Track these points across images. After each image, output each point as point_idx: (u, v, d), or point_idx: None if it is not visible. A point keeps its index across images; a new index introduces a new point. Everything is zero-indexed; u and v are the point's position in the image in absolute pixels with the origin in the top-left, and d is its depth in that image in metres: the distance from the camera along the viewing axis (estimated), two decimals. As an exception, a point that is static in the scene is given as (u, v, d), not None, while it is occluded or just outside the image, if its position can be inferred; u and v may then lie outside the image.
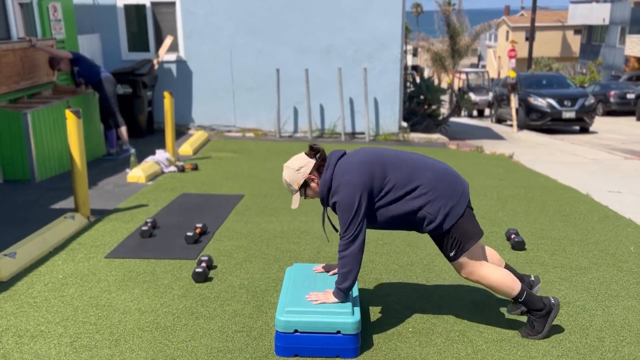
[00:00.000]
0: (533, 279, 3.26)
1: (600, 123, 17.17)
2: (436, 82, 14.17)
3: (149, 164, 6.80)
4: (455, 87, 20.01)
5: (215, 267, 3.94)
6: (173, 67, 10.18)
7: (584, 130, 15.45)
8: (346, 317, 2.77)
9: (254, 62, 10.10)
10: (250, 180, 6.63)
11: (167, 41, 9.60)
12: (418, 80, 12.49)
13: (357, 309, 2.85)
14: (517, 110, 15.39)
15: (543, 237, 4.69)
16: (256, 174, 6.99)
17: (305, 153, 2.97)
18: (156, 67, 9.65)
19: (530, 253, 4.31)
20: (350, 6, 9.82)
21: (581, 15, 38.01)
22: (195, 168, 7.12)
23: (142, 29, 10.26)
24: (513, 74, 15.77)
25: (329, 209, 3.02)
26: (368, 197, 2.79)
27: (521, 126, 15.25)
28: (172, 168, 7.00)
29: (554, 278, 3.81)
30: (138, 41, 10.30)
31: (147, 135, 9.43)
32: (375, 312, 3.29)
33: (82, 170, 4.86)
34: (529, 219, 5.26)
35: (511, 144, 11.90)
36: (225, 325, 3.11)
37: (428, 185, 2.83)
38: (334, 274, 3.14)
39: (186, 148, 8.25)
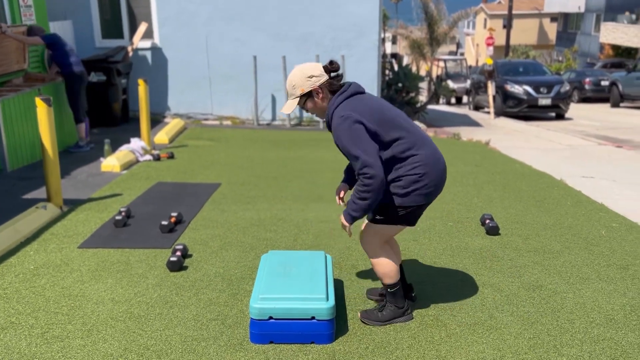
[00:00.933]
0: (414, 294, 3.23)
1: (575, 110, 17.40)
2: (414, 69, 14.16)
3: (124, 152, 6.71)
4: (434, 74, 20.08)
5: (190, 255, 3.92)
6: (148, 54, 10.03)
7: (560, 116, 15.65)
8: (320, 303, 2.77)
9: (230, 49, 9.99)
10: (228, 169, 6.59)
11: (142, 28, 9.44)
12: (396, 67, 12.50)
13: (331, 295, 2.86)
14: (494, 97, 15.52)
15: (517, 222, 4.75)
16: (233, 162, 6.95)
17: (323, 66, 2.86)
18: (131, 54, 9.49)
19: (505, 238, 4.36)
20: (327, -7, 9.76)
21: (557, 2, 38.34)
22: (171, 156, 7.05)
23: (115, 15, 10.07)
24: (490, 62, 15.88)
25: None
26: (369, 133, 2.71)
27: (498, 113, 15.39)
28: (148, 157, 6.91)
29: (527, 262, 3.86)
30: (112, 28, 10.11)
31: (122, 123, 9.29)
32: (350, 298, 3.30)
33: (54, 159, 4.77)
34: (503, 204, 5.31)
35: (488, 130, 12.01)
36: (200, 314, 3.10)
37: (425, 162, 2.78)
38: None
39: (162, 136, 8.16)
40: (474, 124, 13.59)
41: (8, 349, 2.74)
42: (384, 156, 2.76)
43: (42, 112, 4.65)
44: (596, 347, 2.79)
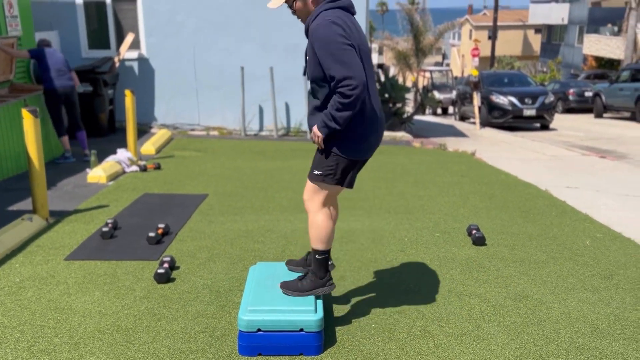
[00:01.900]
0: (331, 262, 3.18)
1: (559, 120, 17.62)
2: (401, 80, 14.32)
3: (110, 163, 6.68)
4: (420, 85, 20.25)
5: (178, 267, 3.90)
6: (135, 64, 10.02)
7: (544, 127, 15.84)
8: (309, 315, 2.78)
9: (218, 59, 10.02)
10: (215, 180, 6.58)
11: (129, 38, 9.43)
12: (383, 78, 12.60)
13: (320, 307, 2.87)
14: (479, 108, 15.68)
15: (503, 233, 4.79)
16: (220, 173, 6.94)
17: None
18: (117, 64, 9.48)
19: (491, 248, 4.40)
20: (314, 4, 9.81)
21: (541, 14, 38.91)
22: (157, 167, 7.03)
23: (102, 26, 10.06)
24: (475, 73, 16.07)
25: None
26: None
27: (484, 124, 15.55)
28: (134, 167, 6.89)
29: (513, 272, 3.90)
30: (98, 38, 10.09)
31: (109, 134, 9.26)
32: (338, 309, 3.31)
33: (40, 171, 4.74)
34: (489, 214, 5.36)
35: (474, 141, 12.12)
36: (187, 326, 3.09)
37: (371, 110, 2.78)
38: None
39: (148, 147, 8.13)
40: (460, 134, 13.71)
41: (-7, 364, 2.71)
42: (328, 91, 2.72)
43: (29, 124, 4.63)
44: (581, 356, 2.82)
